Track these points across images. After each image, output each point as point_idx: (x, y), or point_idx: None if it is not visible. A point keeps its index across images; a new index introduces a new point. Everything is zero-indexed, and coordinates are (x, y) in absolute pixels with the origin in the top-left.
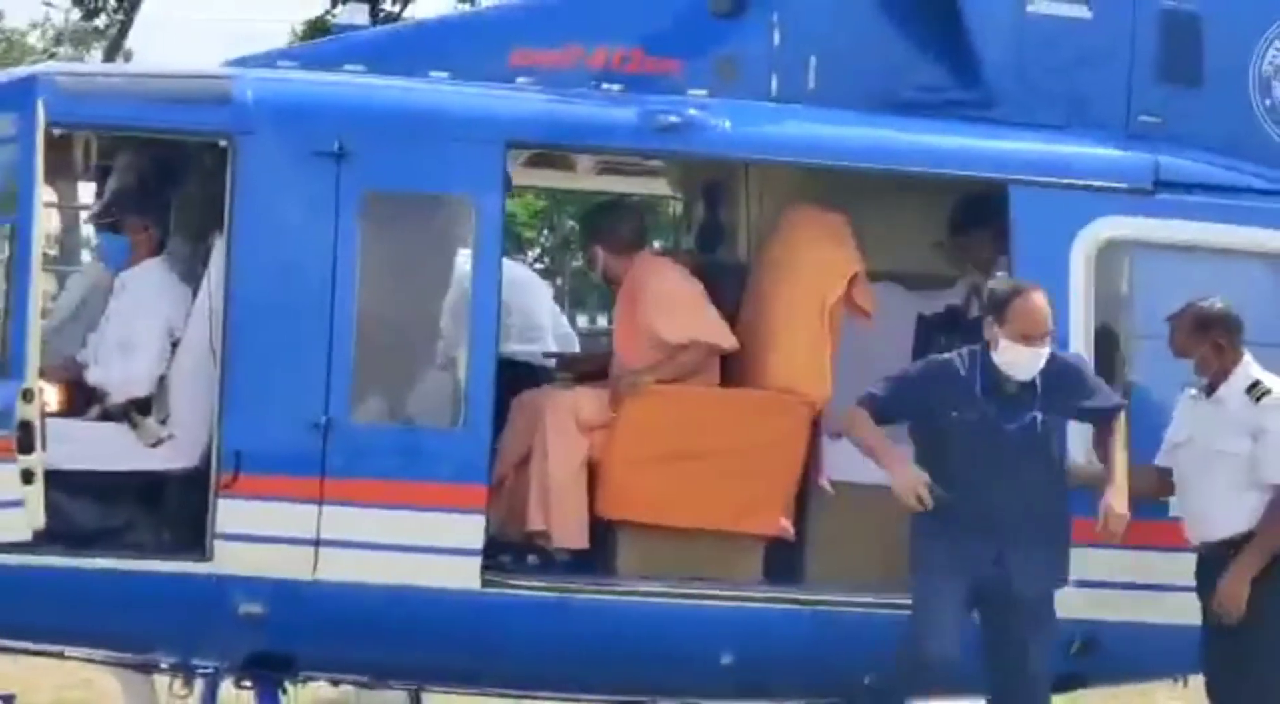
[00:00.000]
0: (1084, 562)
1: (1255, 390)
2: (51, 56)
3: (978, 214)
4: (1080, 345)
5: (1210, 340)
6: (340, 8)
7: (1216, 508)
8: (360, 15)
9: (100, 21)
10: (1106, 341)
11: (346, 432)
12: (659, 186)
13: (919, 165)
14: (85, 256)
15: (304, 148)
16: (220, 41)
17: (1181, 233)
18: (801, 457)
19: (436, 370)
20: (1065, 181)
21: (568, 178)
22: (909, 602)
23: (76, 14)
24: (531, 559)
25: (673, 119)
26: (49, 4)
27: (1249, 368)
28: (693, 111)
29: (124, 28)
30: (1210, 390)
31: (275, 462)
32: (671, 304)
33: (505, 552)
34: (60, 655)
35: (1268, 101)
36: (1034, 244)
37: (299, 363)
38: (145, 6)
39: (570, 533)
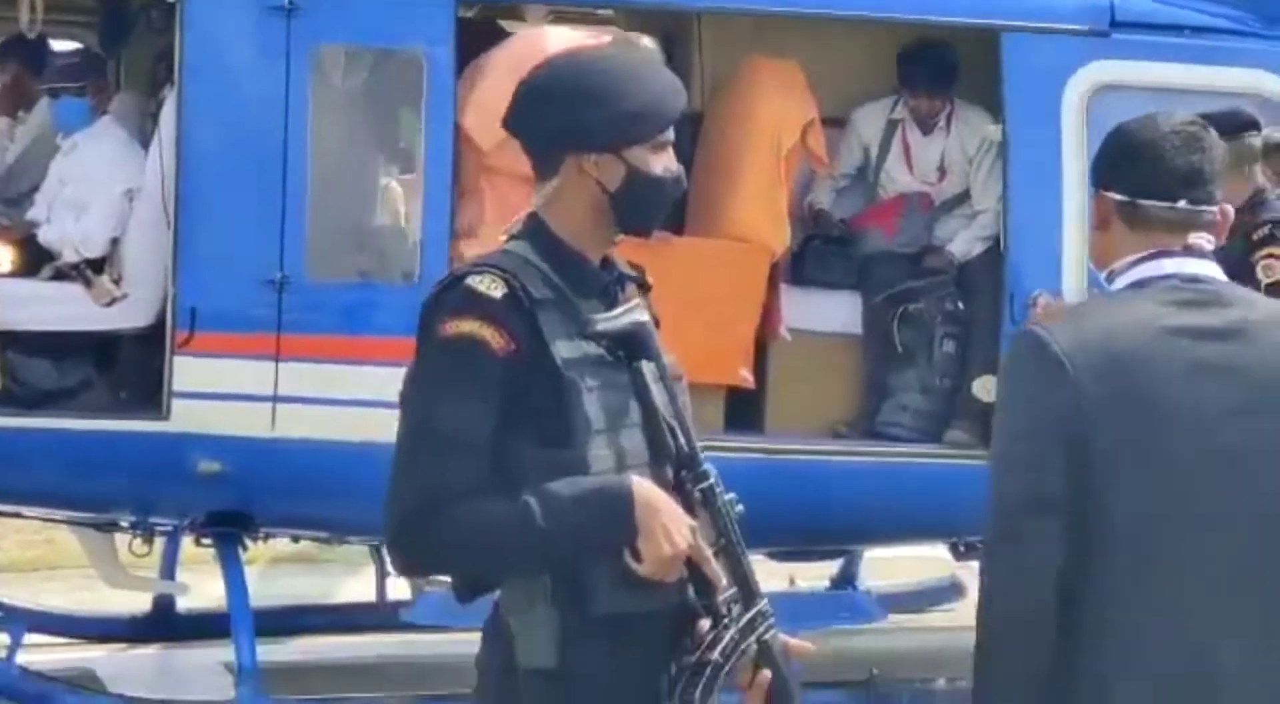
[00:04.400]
0: None
1: None
2: None
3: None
4: (1076, 197)
5: None
6: None
7: None
8: None
9: None
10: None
11: (302, 288)
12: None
13: (901, 13)
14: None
15: (252, 2)
16: None
17: (1139, 74)
18: (760, 305)
19: (391, 226)
20: (1056, 26)
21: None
22: (866, 449)
23: None
24: None
25: None
26: None
27: None
28: None
29: None
30: None
31: (231, 319)
32: None
33: None
34: (18, 515)
35: None
36: (1028, 91)
37: (253, 219)
38: None
39: None
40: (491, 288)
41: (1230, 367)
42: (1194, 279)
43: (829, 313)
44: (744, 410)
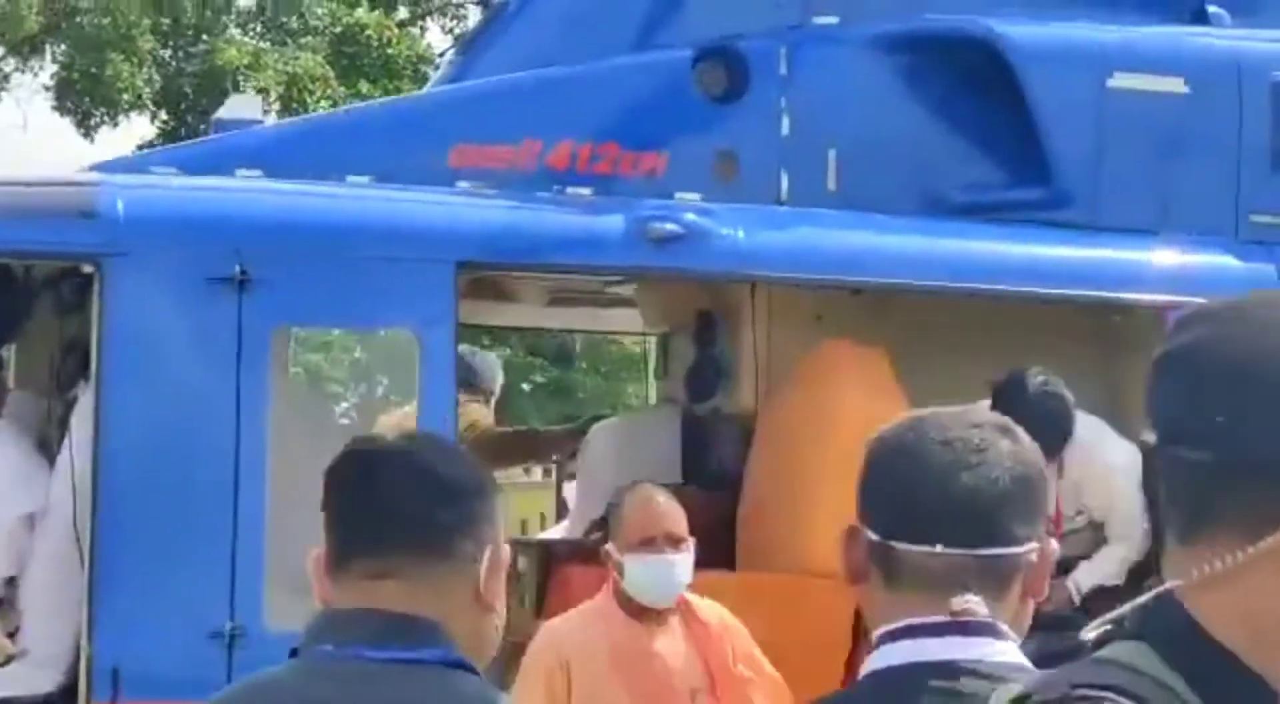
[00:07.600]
0: None
1: None
2: None
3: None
4: None
5: None
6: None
7: None
8: (252, 109)
9: None
10: None
11: (259, 641)
12: (627, 320)
13: (1056, 286)
14: None
15: (194, 273)
16: None
17: None
18: (845, 655)
19: None
20: None
21: (510, 311)
22: None
23: None
24: None
25: (671, 227)
26: None
27: None
28: (692, 217)
29: None
30: None
31: (166, 683)
32: None
33: None
34: None
35: None
36: None
37: (194, 549)
38: None
39: None
40: None
41: None
42: (946, 669)
43: None
44: None
